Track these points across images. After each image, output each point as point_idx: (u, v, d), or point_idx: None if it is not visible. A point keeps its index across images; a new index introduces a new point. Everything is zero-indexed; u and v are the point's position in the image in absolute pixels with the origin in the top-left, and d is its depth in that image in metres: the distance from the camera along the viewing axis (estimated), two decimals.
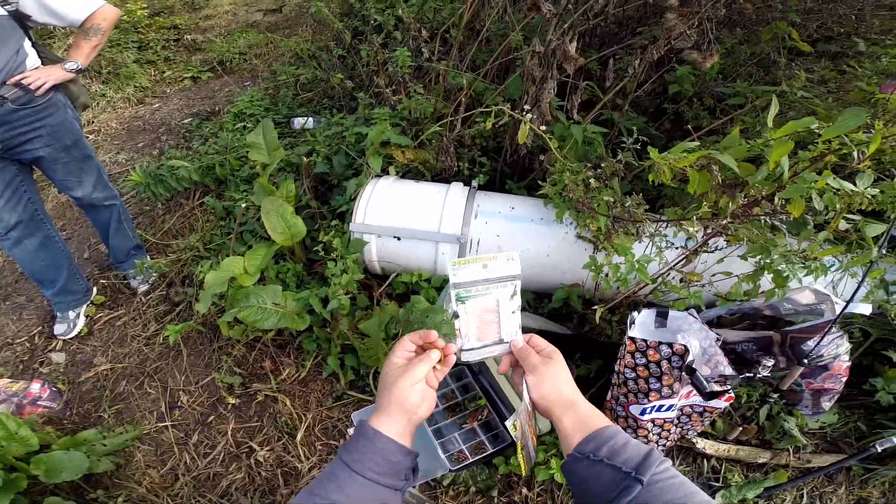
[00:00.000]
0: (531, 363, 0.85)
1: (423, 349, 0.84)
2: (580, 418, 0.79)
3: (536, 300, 2.17)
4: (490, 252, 0.91)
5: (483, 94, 2.40)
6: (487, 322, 0.86)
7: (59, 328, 2.36)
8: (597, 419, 0.78)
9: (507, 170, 2.42)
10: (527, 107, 1.98)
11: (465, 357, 0.87)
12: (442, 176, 2.36)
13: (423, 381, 0.80)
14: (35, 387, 2.08)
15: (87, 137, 3.77)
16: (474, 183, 2.16)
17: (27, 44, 1.87)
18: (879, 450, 1.57)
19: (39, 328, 2.44)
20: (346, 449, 0.75)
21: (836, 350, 1.54)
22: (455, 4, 3.00)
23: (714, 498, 1.74)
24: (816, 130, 1.30)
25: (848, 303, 1.40)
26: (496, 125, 1.93)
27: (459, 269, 0.83)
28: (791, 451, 1.83)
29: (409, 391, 0.79)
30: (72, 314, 2.37)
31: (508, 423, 0.81)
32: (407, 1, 3.09)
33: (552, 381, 0.83)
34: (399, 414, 0.78)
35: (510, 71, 2.47)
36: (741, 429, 1.84)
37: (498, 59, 2.42)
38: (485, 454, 1.74)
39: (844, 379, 1.59)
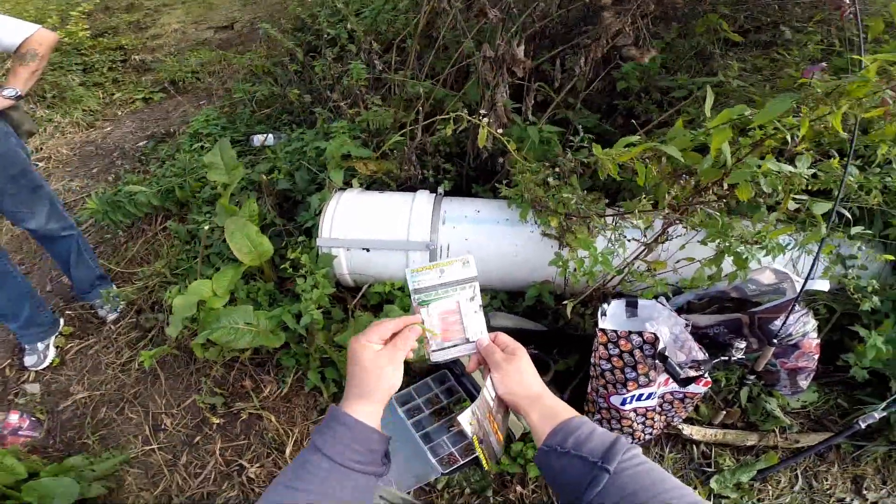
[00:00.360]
0: (495, 360, 0.88)
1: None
2: (547, 411, 0.81)
3: (510, 299, 2.23)
4: (460, 256, 0.96)
5: (444, 101, 2.44)
6: (451, 323, 0.91)
7: (29, 360, 2.31)
8: (563, 411, 0.80)
9: (472, 174, 2.48)
10: (483, 111, 2.04)
11: (434, 357, 0.91)
12: (407, 185, 2.39)
13: (402, 364, 0.82)
14: (13, 417, 2.05)
15: (37, 166, 3.66)
16: (440, 189, 2.21)
17: None
18: (863, 426, 1.58)
19: (9, 361, 2.39)
20: (323, 439, 0.73)
21: (804, 328, 1.57)
22: (409, 15, 3.03)
23: (709, 483, 1.77)
24: (750, 117, 1.39)
25: (806, 280, 1.44)
26: (457, 131, 1.98)
27: (418, 275, 0.89)
28: (777, 431, 1.85)
29: (395, 377, 0.80)
30: (41, 346, 2.33)
31: (463, 420, 0.81)
32: (359, 14, 3.11)
33: (517, 377, 0.85)
34: (382, 400, 0.79)
35: (469, 76, 2.52)
36: (725, 413, 1.86)
37: (456, 65, 2.47)
38: (475, 455, 1.76)
39: (816, 356, 1.62)
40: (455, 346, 0.92)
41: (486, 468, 0.91)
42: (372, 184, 2.38)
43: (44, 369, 2.33)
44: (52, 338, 2.38)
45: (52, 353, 2.36)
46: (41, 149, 3.89)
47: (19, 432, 2.03)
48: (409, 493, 1.75)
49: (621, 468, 0.68)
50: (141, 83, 4.67)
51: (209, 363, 2.20)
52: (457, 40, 2.67)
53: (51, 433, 2.10)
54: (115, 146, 3.87)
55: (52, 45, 1.98)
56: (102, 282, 2.50)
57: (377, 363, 0.79)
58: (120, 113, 4.35)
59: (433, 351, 0.91)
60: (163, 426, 2.08)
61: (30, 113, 3.99)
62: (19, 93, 1.92)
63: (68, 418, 2.15)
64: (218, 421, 2.06)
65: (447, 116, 1.95)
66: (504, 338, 0.92)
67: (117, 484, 1.90)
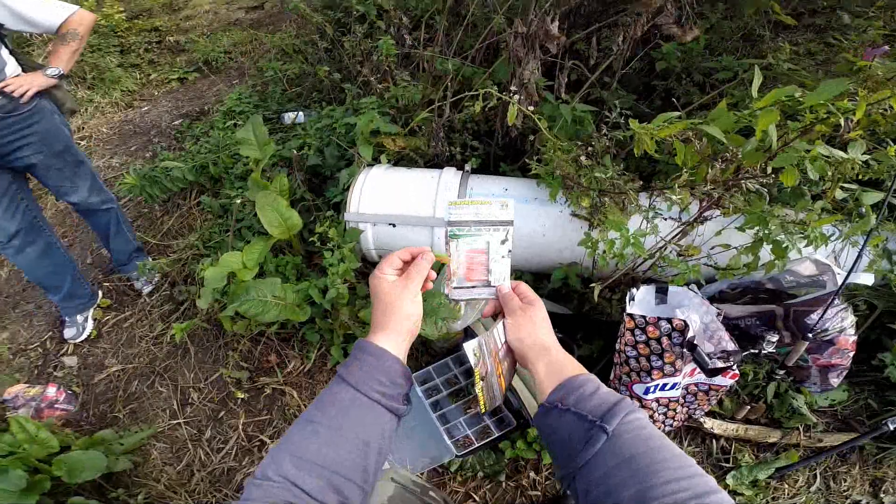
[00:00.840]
0: (511, 307, 0.87)
1: (407, 264, 0.85)
2: (554, 365, 0.78)
3: (535, 281, 2.19)
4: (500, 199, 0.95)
5: (472, 79, 2.40)
6: (477, 263, 0.90)
7: (68, 332, 2.40)
8: (570, 367, 0.78)
9: (499, 153, 2.43)
10: (513, 88, 1.99)
11: (454, 295, 0.91)
12: (434, 162, 2.36)
13: (420, 294, 0.82)
14: (51, 390, 2.12)
15: (79, 143, 3.78)
16: (467, 167, 2.17)
17: (4, 52, 1.87)
18: (892, 428, 1.52)
19: (50, 333, 2.48)
20: (348, 370, 0.73)
21: (842, 323, 1.50)
22: None
23: (725, 479, 1.73)
24: (800, 99, 1.31)
25: (849, 273, 1.37)
26: (486, 108, 1.94)
27: (456, 209, 0.87)
28: (801, 429, 1.79)
29: (412, 306, 0.79)
30: (80, 318, 2.41)
31: (468, 347, 0.80)
32: None
33: (529, 326, 0.84)
34: (404, 332, 0.78)
35: (498, 54, 2.47)
36: (749, 408, 1.80)
37: (485, 42, 2.42)
38: (490, 438, 1.76)
39: (851, 354, 1.55)
40: (475, 287, 0.91)
41: (482, 410, 0.90)
42: (400, 160, 2.36)
43: (82, 342, 2.41)
44: (91, 310, 2.47)
45: (90, 325, 2.44)
46: (83, 128, 4.02)
47: (56, 405, 2.10)
48: (422, 474, 1.75)
49: (621, 430, 0.64)
50: (176, 64, 4.76)
51: (237, 337, 2.24)
52: (486, 17, 2.62)
53: (84, 406, 2.17)
54: (152, 125, 3.97)
55: (91, 25, 2.02)
56: (139, 254, 2.57)
57: (392, 294, 0.79)
58: (156, 93, 4.45)
59: (454, 287, 0.90)
60: (190, 400, 2.14)
61: (71, 92, 4.12)
62: (62, 71, 1.98)
63: (102, 392, 2.22)
64: (242, 395, 2.10)
65: (476, 93, 1.91)
66: (525, 288, 0.91)
67: (143, 458, 1.95)
